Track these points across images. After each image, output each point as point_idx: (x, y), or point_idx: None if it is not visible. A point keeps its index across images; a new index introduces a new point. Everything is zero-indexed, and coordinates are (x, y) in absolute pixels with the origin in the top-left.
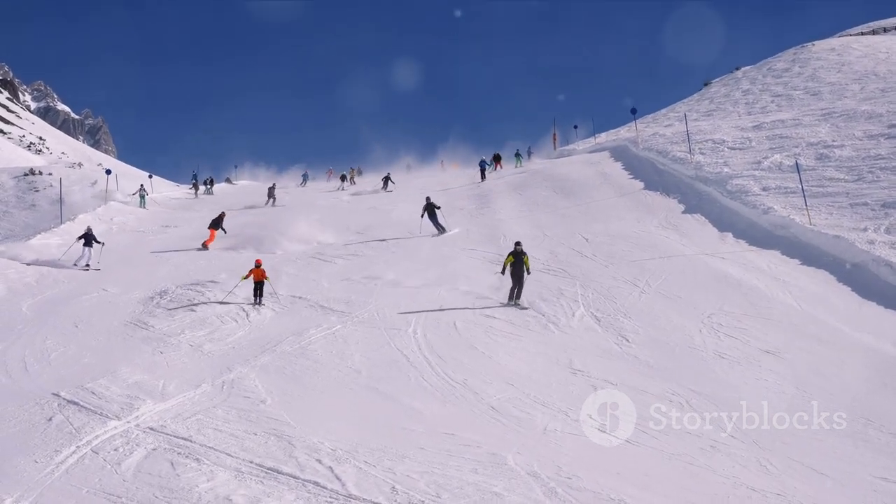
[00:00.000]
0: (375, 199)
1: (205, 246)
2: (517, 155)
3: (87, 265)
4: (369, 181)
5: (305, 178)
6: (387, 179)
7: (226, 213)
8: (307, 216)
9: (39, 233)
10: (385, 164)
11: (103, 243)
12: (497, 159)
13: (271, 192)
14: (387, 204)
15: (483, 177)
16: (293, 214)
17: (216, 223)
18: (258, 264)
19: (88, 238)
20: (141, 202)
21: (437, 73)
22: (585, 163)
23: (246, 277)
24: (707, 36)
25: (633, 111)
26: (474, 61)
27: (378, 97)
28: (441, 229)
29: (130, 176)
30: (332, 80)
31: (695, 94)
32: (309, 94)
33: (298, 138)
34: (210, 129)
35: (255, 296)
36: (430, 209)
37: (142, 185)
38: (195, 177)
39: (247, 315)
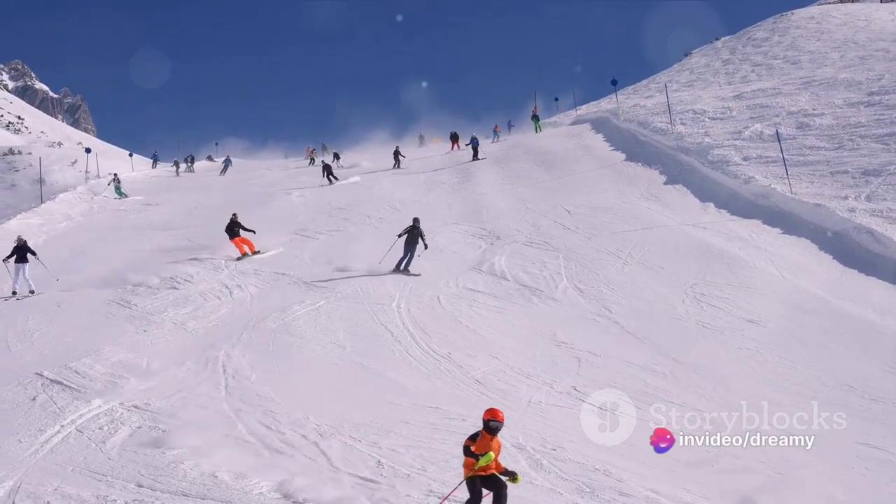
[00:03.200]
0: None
1: (247, 253)
2: (535, 117)
3: (30, 291)
4: (352, 159)
5: (227, 163)
6: (397, 154)
7: (237, 213)
8: (286, 197)
9: (20, 213)
10: (363, 139)
11: (35, 254)
12: (454, 138)
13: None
14: (369, 180)
15: (476, 156)
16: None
17: (234, 231)
18: None
19: (22, 252)
20: (117, 192)
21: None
22: (567, 135)
23: None
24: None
25: (614, 82)
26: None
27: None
28: (405, 266)
29: (110, 154)
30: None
31: (675, 65)
32: (279, 58)
33: (268, 105)
34: (189, 98)
35: None
36: (414, 236)
37: (115, 175)
38: (155, 157)
39: (230, 292)
